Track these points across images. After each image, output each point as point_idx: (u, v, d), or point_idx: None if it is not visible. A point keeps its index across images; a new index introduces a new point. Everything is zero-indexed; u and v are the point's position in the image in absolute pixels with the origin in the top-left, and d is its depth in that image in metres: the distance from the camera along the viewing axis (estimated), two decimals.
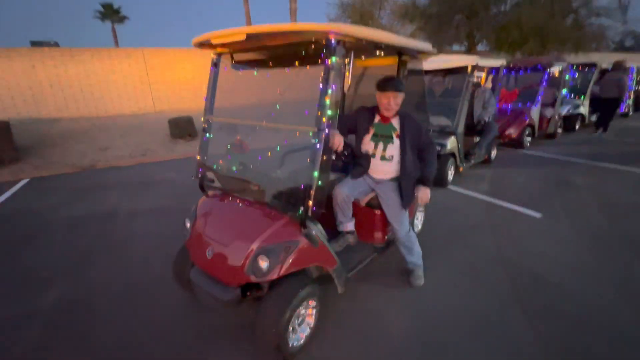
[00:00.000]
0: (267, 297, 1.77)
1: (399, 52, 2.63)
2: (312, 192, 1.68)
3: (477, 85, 4.97)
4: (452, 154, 4.65)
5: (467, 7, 12.01)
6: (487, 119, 5.04)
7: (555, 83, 7.29)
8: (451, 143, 4.54)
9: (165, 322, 2.19)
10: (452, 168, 4.75)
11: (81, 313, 2.30)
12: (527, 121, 6.67)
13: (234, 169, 2.16)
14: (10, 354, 1.95)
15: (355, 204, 2.47)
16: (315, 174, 1.66)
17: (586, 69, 8.52)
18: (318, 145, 1.65)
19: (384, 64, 2.93)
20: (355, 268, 2.24)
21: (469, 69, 4.48)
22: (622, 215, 3.69)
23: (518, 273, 2.66)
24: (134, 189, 4.91)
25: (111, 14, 32.17)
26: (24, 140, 7.15)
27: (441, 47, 14.08)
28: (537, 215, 3.71)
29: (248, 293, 1.87)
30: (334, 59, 1.60)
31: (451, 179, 4.76)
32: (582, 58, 11.52)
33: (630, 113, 10.85)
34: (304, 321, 1.91)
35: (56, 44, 21.16)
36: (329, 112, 1.67)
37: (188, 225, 2.15)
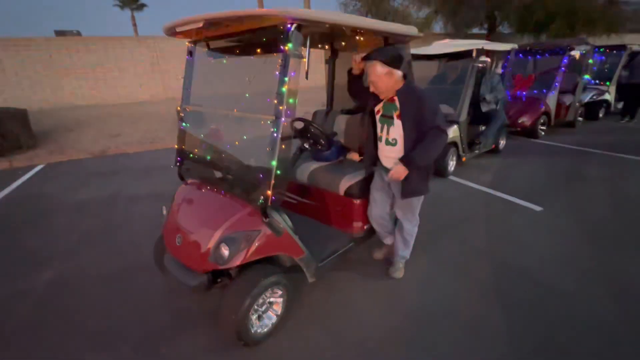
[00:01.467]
0: (231, 285, 1.80)
1: (385, 37, 2.51)
2: (272, 182, 1.67)
3: (483, 70, 4.72)
4: (454, 144, 4.48)
5: None
6: (495, 106, 4.81)
7: (577, 68, 6.82)
8: (453, 132, 4.37)
9: (144, 304, 2.27)
10: (454, 158, 4.59)
11: (69, 294, 2.42)
12: (543, 109, 6.31)
13: (208, 157, 2.17)
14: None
15: (334, 194, 2.44)
16: (273, 163, 1.64)
17: (614, 52, 7.89)
18: (275, 134, 1.62)
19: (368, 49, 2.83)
20: (328, 258, 2.22)
21: (474, 54, 4.25)
22: (633, 210, 3.46)
23: (505, 268, 2.57)
24: (138, 175, 5.07)
25: (129, 1, 32.61)
26: (41, 127, 7.49)
27: (460, 31, 13.43)
28: (538, 208, 3.54)
29: (219, 280, 1.91)
30: (290, 45, 1.54)
31: (452, 169, 4.60)
32: (615, 40, 10.68)
33: None
34: (270, 309, 1.93)
35: (78, 33, 21.75)
36: (290, 100, 1.63)
37: (165, 212, 2.20)
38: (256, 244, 1.74)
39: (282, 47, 1.56)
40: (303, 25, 1.58)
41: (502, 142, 5.58)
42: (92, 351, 1.91)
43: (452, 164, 4.56)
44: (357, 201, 2.40)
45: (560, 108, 6.75)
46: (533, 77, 6.72)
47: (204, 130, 2.23)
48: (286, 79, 1.58)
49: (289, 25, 1.54)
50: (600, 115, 8.04)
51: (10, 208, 4.00)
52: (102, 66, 9.57)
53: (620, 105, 8.12)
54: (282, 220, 1.83)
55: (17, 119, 6.39)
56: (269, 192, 1.68)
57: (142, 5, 34.08)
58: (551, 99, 6.40)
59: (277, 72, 1.59)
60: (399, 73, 1.95)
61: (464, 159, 4.73)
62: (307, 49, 1.61)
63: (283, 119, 1.60)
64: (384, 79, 1.93)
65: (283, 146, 1.66)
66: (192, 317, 2.14)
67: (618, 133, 6.79)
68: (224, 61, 2.07)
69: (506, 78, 5.27)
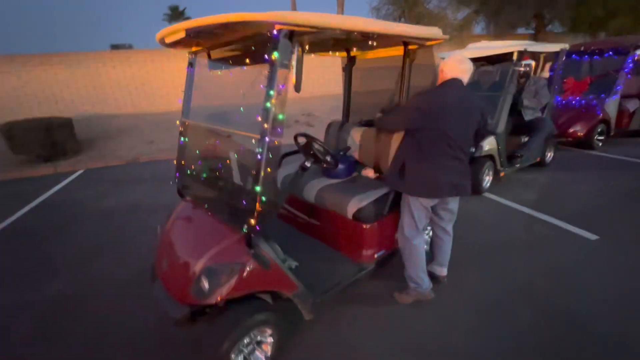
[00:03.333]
0: (213, 322, 1.62)
1: (404, 41, 2.23)
2: (256, 209, 1.46)
3: (526, 75, 4.19)
4: (490, 157, 4.00)
5: None
6: (540, 114, 4.25)
7: None
8: (489, 144, 3.90)
9: (139, 324, 2.17)
10: (491, 173, 4.10)
11: (72, 306, 2.40)
12: (600, 116, 5.52)
13: (204, 175, 2.02)
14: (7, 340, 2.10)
15: (342, 217, 2.18)
16: (257, 188, 1.43)
17: None
18: (259, 156, 1.41)
19: (390, 55, 2.56)
20: (331, 290, 1.97)
21: (515, 56, 3.77)
22: None
23: (548, 313, 2.13)
24: (163, 183, 5.16)
25: (177, 15, 34.93)
26: (85, 135, 8.02)
27: (503, 31, 12.49)
28: (593, 237, 2.98)
29: (206, 310, 1.74)
30: (276, 54, 1.34)
31: (488, 185, 4.12)
32: None
33: None
34: (258, 349, 1.72)
35: (130, 47, 23.66)
36: (278, 116, 1.42)
37: (159, 231, 2.08)
38: (240, 277, 1.54)
39: (268, 56, 1.36)
40: (294, 31, 1.37)
41: (549, 154, 4.94)
42: None
43: (487, 179, 4.08)
44: (367, 226, 2.11)
45: (622, 115, 5.87)
46: (589, 81, 5.92)
47: (201, 146, 2.09)
48: (272, 92, 1.37)
49: (275, 32, 1.33)
50: None
51: (43, 213, 4.22)
52: (145, 77, 10.16)
53: None
54: (271, 252, 1.61)
55: (64, 127, 6.89)
56: (253, 221, 1.47)
57: (188, 19, 36.33)
58: (611, 105, 5.59)
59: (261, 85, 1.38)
60: None
61: (502, 173, 4.21)
62: (297, 56, 1.38)
63: (268, 138, 1.39)
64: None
65: (269, 169, 1.45)
66: (184, 343, 1.99)
67: None
68: (219, 72, 1.93)
69: (554, 82, 4.64)
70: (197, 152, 2.07)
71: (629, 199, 3.76)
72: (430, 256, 2.41)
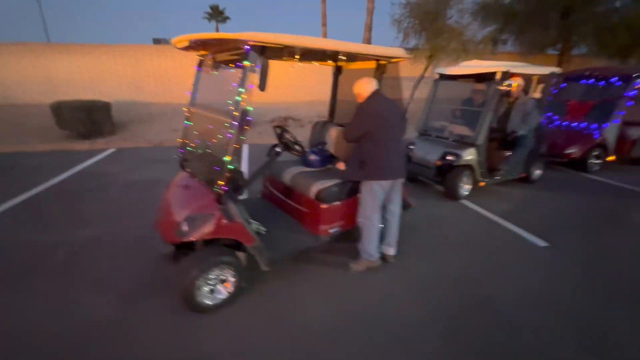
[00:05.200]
0: (188, 257, 2.15)
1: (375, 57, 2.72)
2: (225, 174, 1.99)
3: (507, 94, 4.48)
4: (469, 167, 4.33)
5: (563, 3, 10.35)
6: (522, 133, 4.53)
7: None
8: (468, 154, 4.24)
9: (145, 265, 2.75)
10: (469, 181, 4.42)
11: (93, 250, 3.03)
12: (597, 140, 5.66)
13: (198, 151, 2.58)
14: (34, 270, 2.75)
15: (307, 197, 2.67)
16: (225, 158, 1.96)
17: None
18: (230, 135, 1.94)
19: (366, 67, 3.02)
20: (286, 251, 2.46)
21: (498, 76, 4.10)
22: None
23: (470, 297, 2.50)
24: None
25: (216, 14, 36.76)
26: (121, 118, 8.98)
27: (530, 51, 12.48)
28: (543, 244, 3.28)
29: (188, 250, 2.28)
30: (247, 62, 1.86)
31: (467, 193, 4.44)
32: None
33: None
34: (222, 285, 2.23)
35: (169, 42, 25.26)
36: (247, 108, 1.95)
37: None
38: (210, 224, 2.06)
39: (241, 63, 1.89)
40: (263, 46, 1.89)
41: (537, 171, 5.16)
42: (88, 292, 2.42)
43: (465, 187, 4.40)
44: (325, 206, 2.59)
45: (624, 142, 5.95)
46: (590, 105, 6.04)
47: (198, 128, 2.65)
48: (242, 89, 1.90)
49: (247, 47, 1.86)
50: None
51: (77, 180, 4.99)
52: (179, 70, 11.15)
53: None
54: (236, 209, 2.13)
55: (103, 110, 7.83)
56: (221, 182, 2.00)
57: (226, 18, 38.11)
58: (610, 130, 5.70)
59: (234, 84, 1.91)
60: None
61: (481, 183, 4.51)
62: (261, 65, 1.88)
63: (236, 123, 1.92)
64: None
65: (237, 145, 1.97)
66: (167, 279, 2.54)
67: None
68: (217, 72, 2.48)
69: (544, 103, 4.87)
70: (195, 133, 2.63)
71: (594, 218, 3.97)
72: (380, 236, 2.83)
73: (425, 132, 5.03)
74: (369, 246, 2.64)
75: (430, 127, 5.03)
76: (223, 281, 2.24)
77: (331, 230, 2.67)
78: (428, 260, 2.98)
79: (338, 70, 3.42)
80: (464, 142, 4.36)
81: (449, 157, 4.29)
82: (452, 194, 4.36)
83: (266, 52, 1.95)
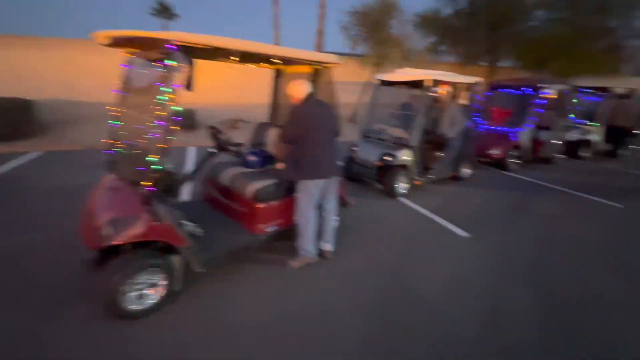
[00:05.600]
0: (112, 262, 2.06)
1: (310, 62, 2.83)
2: (152, 174, 1.94)
3: (438, 100, 4.94)
4: (405, 166, 4.66)
5: (489, 21, 11.63)
6: (450, 135, 4.99)
7: (558, 106, 6.92)
8: (403, 155, 4.57)
9: (63, 274, 2.54)
10: (405, 180, 4.75)
11: (8, 259, 2.73)
12: (514, 142, 6.44)
13: (127, 152, 2.48)
14: None
15: (244, 197, 2.69)
16: (151, 159, 1.92)
17: (599, 93, 7.96)
18: (156, 135, 1.91)
19: (305, 71, 3.13)
20: (222, 251, 2.46)
21: (427, 84, 4.49)
22: (563, 252, 3.53)
23: (398, 286, 2.71)
24: None
25: (164, 11, 34.87)
26: (49, 119, 8.11)
27: (466, 62, 13.74)
28: (465, 235, 3.66)
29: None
30: (171, 62, 1.85)
31: (404, 191, 4.76)
32: (615, 82, 10.66)
33: None
34: (152, 289, 2.16)
35: None
36: (174, 108, 1.93)
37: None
38: (136, 228, 2.00)
39: (166, 63, 1.88)
40: (188, 46, 1.90)
41: (466, 171, 5.71)
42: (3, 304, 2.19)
43: (402, 186, 4.72)
44: (261, 205, 2.64)
45: (536, 144, 6.83)
46: (509, 111, 6.86)
47: (124, 128, 2.55)
48: (167, 89, 1.88)
49: (171, 46, 1.85)
50: (587, 154, 8.02)
51: None
52: (110, 68, 10.38)
53: (608, 146, 8.12)
54: (165, 210, 2.09)
55: (24, 109, 7.01)
56: (148, 183, 1.95)
57: (173, 15, 36.32)
58: (525, 134, 6.52)
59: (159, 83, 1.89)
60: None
61: (417, 182, 4.88)
62: (187, 65, 1.88)
63: (161, 122, 1.90)
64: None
65: (165, 145, 1.94)
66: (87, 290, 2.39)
67: (592, 173, 6.77)
68: (144, 71, 2.41)
69: (469, 110, 5.43)
70: (122, 133, 2.52)
71: (510, 210, 4.52)
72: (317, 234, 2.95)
73: (367, 135, 5.31)
74: (306, 243, 2.74)
75: (372, 129, 5.32)
76: (153, 285, 2.17)
77: (269, 229, 2.72)
78: (363, 254, 3.16)
79: (278, 74, 3.49)
80: (400, 144, 4.69)
81: (386, 158, 4.58)
82: (390, 192, 4.65)
83: (194, 52, 1.96)
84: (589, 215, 4.48)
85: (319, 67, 2.97)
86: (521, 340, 2.17)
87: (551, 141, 6.93)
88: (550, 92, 6.48)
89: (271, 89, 3.57)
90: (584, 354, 2.09)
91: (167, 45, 1.83)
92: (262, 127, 3.50)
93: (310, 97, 2.62)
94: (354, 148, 5.17)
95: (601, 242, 3.70)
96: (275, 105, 3.61)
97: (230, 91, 10.55)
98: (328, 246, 2.94)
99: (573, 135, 7.53)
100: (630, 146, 8.45)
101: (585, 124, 7.87)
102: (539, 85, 6.43)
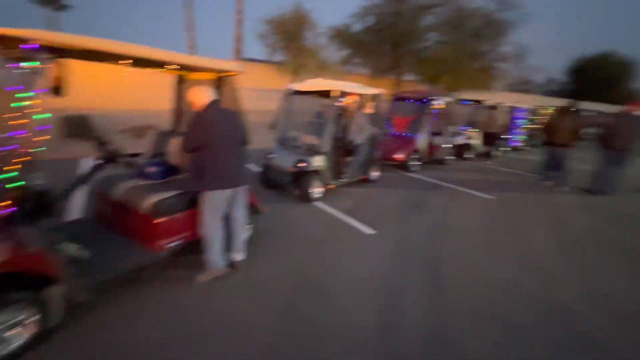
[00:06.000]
0: None
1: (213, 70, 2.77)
2: (13, 192, 1.66)
3: (347, 109, 5.36)
4: (318, 172, 4.89)
5: (393, 39, 13.09)
6: (358, 141, 5.43)
7: (447, 115, 8.12)
8: (316, 161, 4.79)
9: None
10: (319, 185, 4.98)
11: None
12: (414, 147, 7.32)
13: None
14: None
15: (139, 211, 2.48)
16: (4, 176, 1.65)
17: (475, 104, 9.64)
18: (15, 146, 1.65)
19: (209, 78, 3.06)
20: (114, 274, 2.23)
21: (335, 94, 4.82)
22: (448, 237, 4.13)
23: (307, 287, 2.83)
24: None
25: (48, 1, 29.81)
26: None
27: (375, 74, 15.07)
28: (371, 232, 4.02)
29: None
30: (29, 63, 1.63)
31: (319, 195, 4.99)
32: (488, 96, 13.10)
33: (527, 147, 12.23)
34: (17, 329, 1.83)
35: None
36: (39, 116, 1.69)
37: None
38: None
39: (23, 64, 1.64)
40: (53, 47, 1.69)
41: (375, 173, 6.26)
42: None
43: (316, 191, 4.94)
44: (160, 219, 2.48)
45: (432, 148, 7.88)
46: (409, 120, 7.80)
47: None
48: (30, 94, 1.65)
49: (31, 46, 1.63)
50: (472, 155, 9.56)
51: None
52: None
53: (485, 148, 9.84)
54: (33, 234, 1.81)
55: None
56: (7, 202, 1.67)
57: (65, 7, 31.38)
58: (422, 140, 7.47)
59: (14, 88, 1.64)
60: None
61: (330, 186, 5.17)
62: (54, 68, 1.68)
63: (21, 132, 1.65)
64: None
65: (28, 158, 1.68)
66: None
67: (473, 171, 8.11)
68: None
69: (375, 118, 6.00)
70: None
71: (412, 206, 5.13)
72: (227, 244, 2.90)
73: (283, 142, 5.42)
74: (214, 255, 2.66)
75: (287, 137, 5.45)
76: (18, 324, 1.84)
77: (171, 245, 2.57)
78: (275, 259, 3.21)
79: (180, 79, 3.33)
80: (313, 150, 4.91)
81: (300, 164, 4.74)
82: (305, 197, 4.82)
83: (70, 53, 1.76)
84: (468, 206, 5.36)
85: (221, 74, 2.94)
86: (418, 320, 2.48)
87: (443, 145, 8.07)
88: (439, 103, 7.58)
89: (173, 95, 3.40)
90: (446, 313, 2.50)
91: (23, 46, 1.60)
92: (163, 136, 3.29)
93: (212, 104, 2.56)
94: (270, 155, 5.22)
95: (477, 227, 4.46)
96: (178, 113, 3.44)
97: (136, 95, 9.55)
98: (239, 256, 2.91)
99: (459, 140, 8.90)
100: (500, 148, 10.40)
101: (468, 130, 9.39)
102: (430, 97, 7.46)
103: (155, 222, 2.45)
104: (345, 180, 5.43)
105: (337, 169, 5.30)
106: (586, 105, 20.04)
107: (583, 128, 6.58)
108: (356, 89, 5.28)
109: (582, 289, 3.03)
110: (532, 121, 12.25)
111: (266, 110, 10.39)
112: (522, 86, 30.54)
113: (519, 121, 11.60)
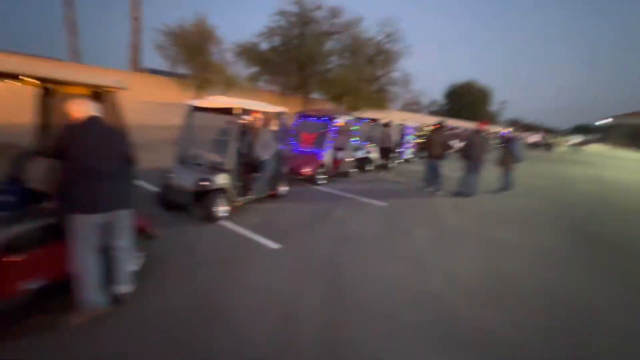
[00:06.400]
0: None
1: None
2: None
3: (247, 126, 5.43)
4: (223, 190, 4.78)
5: (298, 60, 13.83)
6: (264, 158, 5.52)
7: (347, 131, 8.90)
8: (220, 179, 4.68)
9: None
10: (224, 203, 4.86)
11: None
12: (320, 161, 7.79)
13: None
14: None
15: None
16: None
17: (372, 122, 10.86)
18: None
19: (84, 92, 2.74)
20: None
21: (237, 111, 4.83)
22: (347, 244, 4.49)
23: (208, 310, 2.74)
24: None
25: None
26: None
27: (284, 92, 15.53)
28: (276, 246, 4.10)
29: None
30: None
31: (225, 214, 4.85)
32: (383, 115, 14.91)
33: (416, 159, 14.17)
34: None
35: None
36: None
37: None
38: None
39: None
40: None
41: (283, 188, 6.41)
42: None
43: (222, 209, 4.81)
44: (12, 257, 2.08)
45: (335, 162, 8.50)
46: (315, 136, 8.29)
47: None
48: None
49: None
50: (372, 168, 10.62)
51: None
52: None
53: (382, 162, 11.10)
54: None
55: None
56: None
57: None
58: (327, 154, 8.01)
59: None
60: None
61: (237, 203, 5.09)
62: None
63: None
64: None
65: None
66: None
67: (372, 182, 9.03)
68: None
69: (280, 135, 6.20)
70: None
71: (317, 218, 5.42)
72: (109, 276, 2.59)
73: (184, 160, 5.13)
74: (88, 292, 2.33)
75: (188, 154, 5.18)
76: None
77: (28, 287, 2.16)
78: (171, 288, 3.00)
79: (47, 92, 2.89)
80: (217, 168, 4.79)
81: (203, 183, 4.56)
82: (209, 217, 4.64)
83: None
84: (366, 213, 5.94)
85: (98, 89, 2.68)
86: (314, 327, 2.63)
87: (345, 159, 8.79)
88: (340, 121, 8.28)
89: (37, 109, 2.92)
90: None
91: None
92: (22, 157, 2.77)
93: (90, 120, 2.33)
94: (169, 174, 4.87)
95: (372, 232, 4.97)
96: (42, 130, 2.96)
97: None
98: (124, 288, 2.62)
99: (360, 154, 9.83)
100: (395, 161, 11.86)
101: (367, 145, 10.46)
102: (332, 116, 8.11)
103: (5, 260, 2.04)
104: (252, 196, 5.42)
105: (243, 186, 5.26)
106: (457, 123, 24.57)
107: (449, 142, 8.05)
108: (258, 107, 5.40)
109: (447, 276, 3.68)
110: (418, 136, 14.38)
111: (173, 126, 9.64)
112: (412, 107, 35.75)
113: (408, 137, 13.47)
